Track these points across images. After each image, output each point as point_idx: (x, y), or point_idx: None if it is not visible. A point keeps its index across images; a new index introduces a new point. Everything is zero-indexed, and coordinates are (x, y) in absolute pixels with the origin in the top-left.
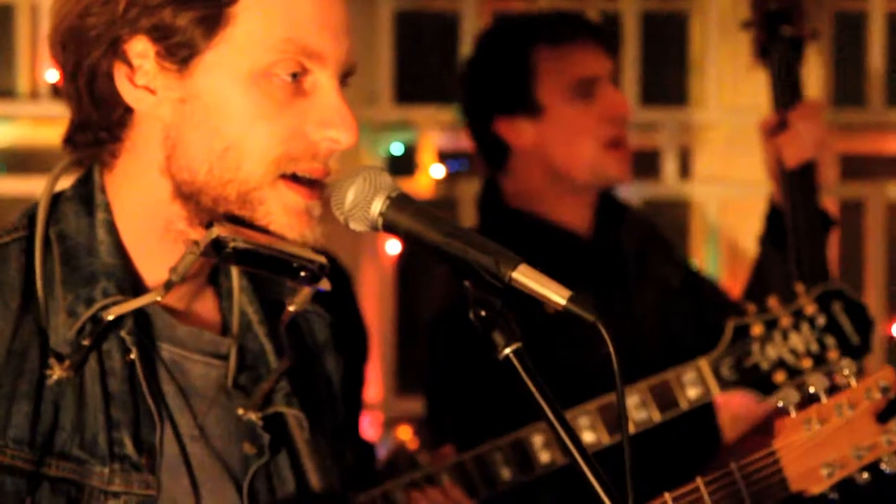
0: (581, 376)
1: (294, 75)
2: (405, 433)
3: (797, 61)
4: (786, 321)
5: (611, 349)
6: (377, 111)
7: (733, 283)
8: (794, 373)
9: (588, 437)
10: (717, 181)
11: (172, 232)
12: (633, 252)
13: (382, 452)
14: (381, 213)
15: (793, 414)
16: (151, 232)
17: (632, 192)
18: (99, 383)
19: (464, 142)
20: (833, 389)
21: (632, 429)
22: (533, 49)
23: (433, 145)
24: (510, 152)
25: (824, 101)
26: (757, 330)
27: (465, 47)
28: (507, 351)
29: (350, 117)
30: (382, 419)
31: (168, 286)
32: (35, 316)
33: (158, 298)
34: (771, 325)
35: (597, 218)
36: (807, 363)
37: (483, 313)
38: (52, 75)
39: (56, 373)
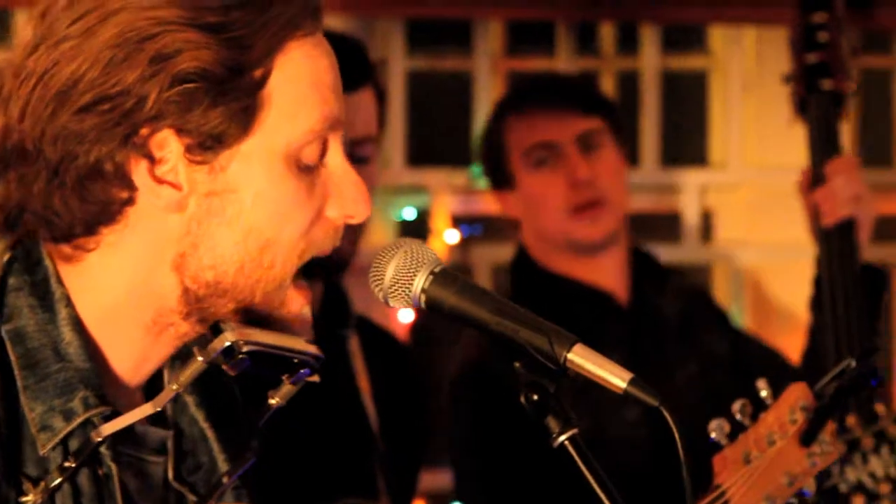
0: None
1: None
2: None
3: (836, 116)
4: (868, 443)
5: (675, 434)
6: (389, 175)
7: None
8: (872, 497)
9: None
10: (740, 244)
11: (159, 325)
12: (675, 317)
13: None
14: (423, 290)
15: (727, 447)
16: (135, 327)
17: None
18: None
19: (478, 205)
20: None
21: None
22: (504, 120)
23: (447, 209)
24: None
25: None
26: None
27: (479, 108)
28: (563, 438)
29: (365, 189)
30: None
31: (166, 398)
32: None
33: (155, 411)
34: (853, 445)
35: (634, 280)
36: (885, 488)
37: (535, 397)
38: None
39: (31, 499)
